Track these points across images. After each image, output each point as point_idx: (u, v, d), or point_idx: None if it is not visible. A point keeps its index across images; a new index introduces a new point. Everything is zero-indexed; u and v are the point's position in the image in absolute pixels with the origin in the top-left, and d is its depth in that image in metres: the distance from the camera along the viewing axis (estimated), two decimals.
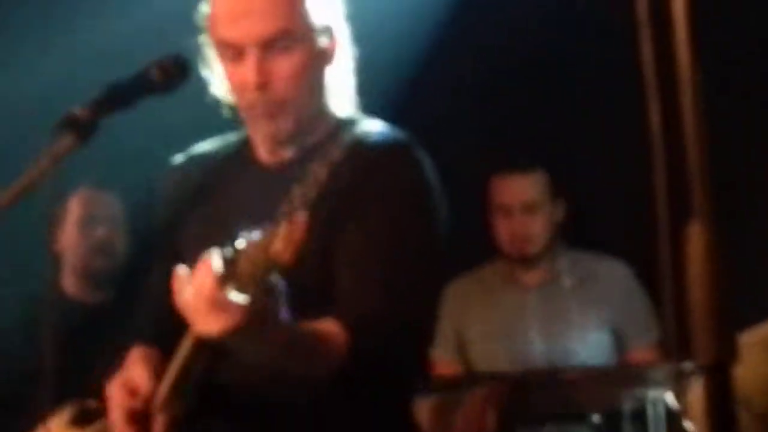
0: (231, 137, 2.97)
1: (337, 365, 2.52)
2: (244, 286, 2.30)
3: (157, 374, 2.68)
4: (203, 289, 2.33)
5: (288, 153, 2.82)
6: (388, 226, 2.71)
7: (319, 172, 2.61)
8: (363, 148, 2.75)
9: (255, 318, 2.33)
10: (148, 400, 2.66)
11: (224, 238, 2.42)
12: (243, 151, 2.91)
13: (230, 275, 2.31)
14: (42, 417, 3.01)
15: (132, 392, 2.64)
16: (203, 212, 2.84)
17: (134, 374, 2.68)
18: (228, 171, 2.92)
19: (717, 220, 1.52)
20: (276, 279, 2.35)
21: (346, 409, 2.66)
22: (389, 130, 2.83)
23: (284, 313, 2.45)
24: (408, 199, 2.77)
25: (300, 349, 2.56)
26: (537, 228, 4.66)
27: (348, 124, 2.84)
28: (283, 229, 2.24)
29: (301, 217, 2.26)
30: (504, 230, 4.66)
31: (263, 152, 2.85)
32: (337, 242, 2.69)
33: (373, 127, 2.84)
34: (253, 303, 2.31)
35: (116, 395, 2.67)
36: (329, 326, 2.55)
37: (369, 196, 2.72)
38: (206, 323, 2.35)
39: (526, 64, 5.23)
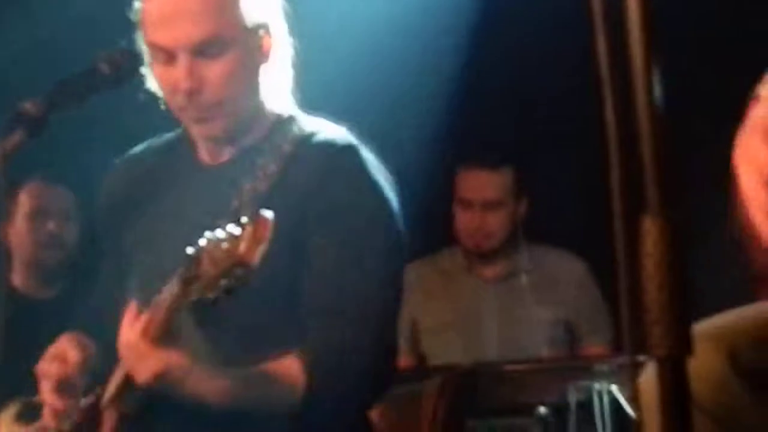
0: (171, 136, 2.94)
1: (295, 403, 2.54)
2: (207, 287, 2.29)
3: (85, 347, 2.70)
4: (129, 341, 2.42)
5: (226, 152, 2.79)
6: (348, 260, 2.68)
7: (268, 167, 2.66)
8: (312, 147, 2.73)
9: (178, 368, 2.41)
10: (75, 370, 2.67)
11: (169, 236, 2.50)
12: (183, 149, 2.87)
13: (193, 277, 2.30)
14: None
15: (61, 360, 2.66)
16: (148, 210, 2.81)
17: (64, 346, 2.69)
18: (170, 170, 2.89)
19: (673, 214, 1.49)
20: (239, 278, 2.30)
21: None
22: (334, 129, 2.80)
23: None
24: (364, 216, 2.73)
25: (253, 390, 2.58)
26: (496, 225, 4.65)
27: (287, 121, 2.81)
28: (248, 230, 2.22)
29: (267, 216, 2.24)
30: (463, 223, 4.64)
31: (203, 151, 2.82)
32: (305, 251, 2.67)
33: (317, 125, 2.80)
34: (175, 354, 2.39)
35: (45, 367, 2.68)
36: (289, 365, 2.56)
37: (326, 205, 2.68)
38: (134, 372, 2.44)
39: (484, 64, 5.21)
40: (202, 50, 2.65)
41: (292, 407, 2.55)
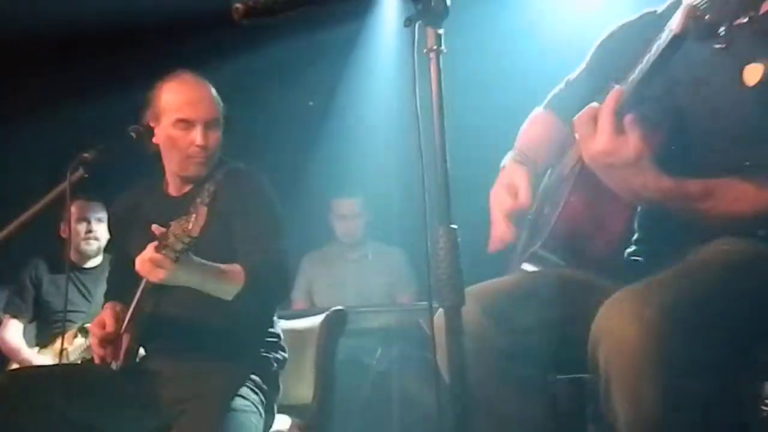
0: (152, 179, 3.18)
1: (238, 289, 2.80)
2: (172, 248, 2.58)
3: (118, 317, 2.99)
4: (147, 256, 2.63)
5: (186, 188, 3.11)
6: (256, 222, 2.96)
7: (209, 189, 2.91)
8: (232, 176, 3.04)
9: (179, 265, 2.62)
10: (113, 332, 2.95)
11: (151, 236, 2.63)
12: (159, 188, 3.16)
13: (164, 243, 2.59)
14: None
15: (102, 326, 2.97)
16: (139, 226, 2.97)
17: (105, 316, 2.99)
18: (151, 201, 3.16)
19: (453, 222, 1.72)
20: (187, 243, 2.56)
21: (239, 328, 2.95)
22: (243, 166, 3.11)
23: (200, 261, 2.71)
24: (262, 207, 3.00)
25: (218, 276, 2.79)
26: (359, 229, 5.33)
27: (221, 164, 3.11)
28: (192, 216, 2.52)
29: (202, 210, 2.53)
30: (339, 229, 5.33)
31: (171, 188, 3.13)
32: (232, 229, 2.94)
33: (235, 165, 3.11)
34: (176, 258, 2.58)
35: (93, 329, 2.99)
36: (236, 266, 2.85)
37: (241, 203, 2.97)
38: (153, 275, 2.63)
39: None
40: (209, 124, 3.04)
41: (236, 292, 2.79)
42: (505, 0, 3.80)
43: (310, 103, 5.15)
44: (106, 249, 4.72)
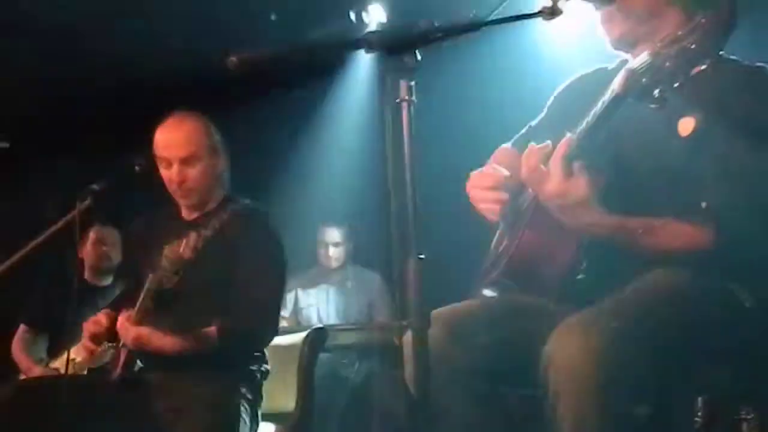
0: (169, 206, 3.21)
1: (214, 346, 2.91)
2: (167, 272, 2.67)
3: (113, 319, 2.97)
4: (120, 326, 2.80)
5: (195, 214, 3.17)
6: (255, 270, 2.97)
7: (215, 223, 2.90)
8: (242, 217, 3.03)
9: (146, 335, 2.78)
10: (104, 331, 2.95)
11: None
12: (173, 212, 3.22)
13: (160, 266, 2.70)
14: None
15: (96, 323, 2.99)
16: (153, 244, 3.04)
17: (100, 316, 3.01)
18: (165, 224, 3.20)
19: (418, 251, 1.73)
20: (178, 269, 2.65)
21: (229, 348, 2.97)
22: (253, 206, 3.15)
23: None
24: (267, 255, 3.02)
25: (191, 342, 2.90)
26: (342, 255, 5.33)
27: (229, 199, 3.17)
28: (184, 241, 2.66)
29: (193, 235, 2.66)
30: (324, 254, 5.35)
31: (184, 213, 3.19)
32: (233, 270, 2.95)
33: (245, 204, 3.14)
34: (144, 329, 2.72)
35: (87, 325, 3.00)
36: (212, 330, 2.91)
37: (245, 245, 2.99)
38: (124, 340, 2.78)
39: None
40: (185, 161, 3.06)
41: (212, 348, 2.90)
42: (475, 51, 3.75)
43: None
44: (117, 271, 4.73)
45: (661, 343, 1.95)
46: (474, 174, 2.42)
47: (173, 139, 3.06)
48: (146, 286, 2.80)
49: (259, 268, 2.99)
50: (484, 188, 2.37)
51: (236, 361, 3.03)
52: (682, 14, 2.12)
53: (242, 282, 2.96)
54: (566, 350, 1.88)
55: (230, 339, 2.90)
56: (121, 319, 2.82)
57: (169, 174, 3.08)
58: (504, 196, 2.35)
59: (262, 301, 2.98)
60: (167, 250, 2.65)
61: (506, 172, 2.37)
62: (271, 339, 3.07)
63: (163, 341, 2.86)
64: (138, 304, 2.81)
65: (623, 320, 1.92)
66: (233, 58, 1.76)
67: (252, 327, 2.96)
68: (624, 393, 1.85)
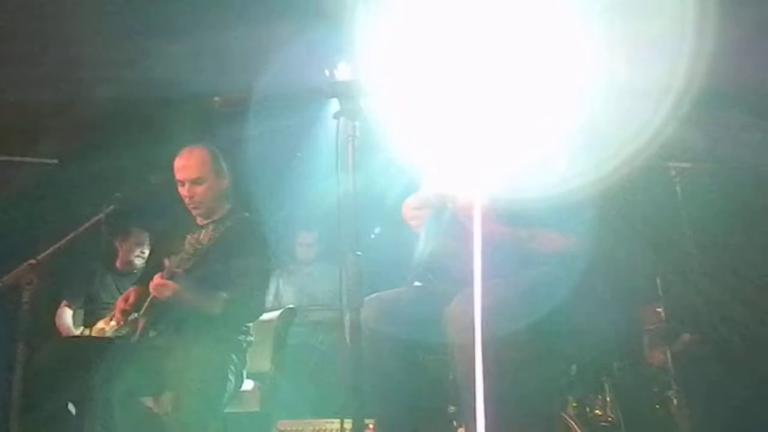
0: (187, 215, 3.14)
1: (219, 312, 2.88)
2: (187, 253, 2.76)
3: (140, 295, 2.94)
4: (156, 282, 2.80)
5: (206, 221, 3.11)
6: (250, 263, 2.92)
7: (220, 229, 2.96)
8: (240, 222, 3.03)
9: (174, 290, 2.74)
10: (131, 304, 2.93)
11: (179, 251, 2.84)
12: (190, 220, 3.15)
13: (181, 253, 2.78)
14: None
15: (126, 299, 2.99)
16: (176, 236, 3.05)
17: (129, 292, 3.00)
18: (185, 226, 3.13)
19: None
20: (198, 250, 2.70)
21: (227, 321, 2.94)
22: (250, 216, 3.09)
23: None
24: (258, 252, 2.98)
25: (207, 301, 2.86)
26: (313, 253, 5.10)
27: (232, 211, 3.13)
28: (202, 232, 2.71)
29: (209, 230, 2.72)
30: (300, 252, 5.12)
31: (198, 221, 3.13)
32: (232, 261, 2.92)
33: (244, 214, 3.10)
34: (173, 285, 2.69)
35: (119, 302, 3.00)
36: (221, 295, 2.90)
37: (243, 245, 2.95)
38: (161, 294, 2.79)
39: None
40: (194, 181, 3.06)
41: (217, 312, 2.86)
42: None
43: (298, 154, 5.04)
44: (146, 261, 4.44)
45: (535, 319, 2.05)
46: (407, 198, 2.45)
47: (185, 165, 3.07)
48: (172, 261, 2.85)
49: (252, 262, 2.99)
50: (410, 208, 2.39)
51: (230, 332, 3.01)
52: None
53: (240, 271, 2.96)
54: (456, 310, 2.04)
55: (230, 307, 2.90)
56: (157, 278, 2.79)
57: (183, 191, 3.09)
58: (425, 213, 2.35)
59: (254, 285, 2.99)
60: (189, 237, 2.69)
61: (432, 195, 2.38)
62: (260, 314, 3.07)
63: (188, 296, 2.83)
64: (166, 271, 2.82)
65: (504, 300, 2.02)
66: (217, 98, 1.83)
67: (245, 302, 2.96)
68: (507, 365, 1.92)
